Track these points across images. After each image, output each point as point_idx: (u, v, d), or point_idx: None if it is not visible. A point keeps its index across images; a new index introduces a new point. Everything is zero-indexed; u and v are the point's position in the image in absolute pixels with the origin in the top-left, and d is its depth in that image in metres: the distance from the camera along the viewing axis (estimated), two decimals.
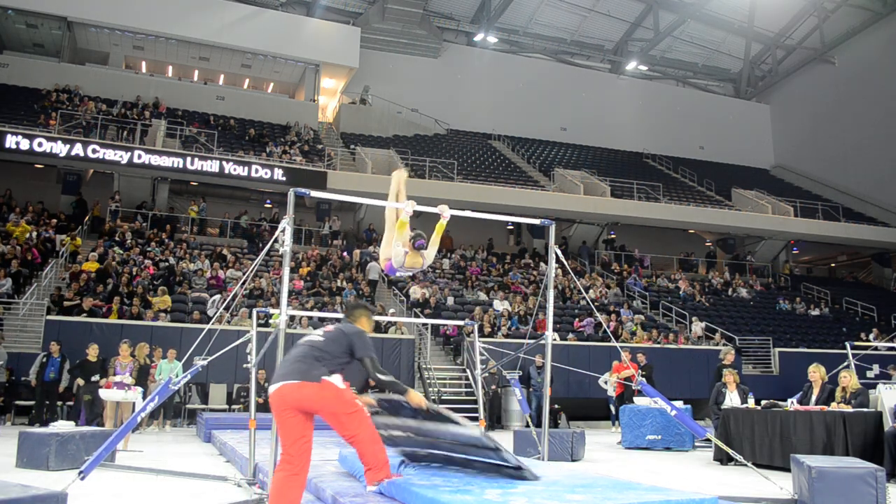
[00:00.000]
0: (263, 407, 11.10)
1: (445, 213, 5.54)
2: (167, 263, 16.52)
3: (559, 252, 6.87)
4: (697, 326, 18.74)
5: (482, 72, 30.20)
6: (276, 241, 5.47)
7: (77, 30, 24.20)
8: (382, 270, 6.07)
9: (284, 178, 19.54)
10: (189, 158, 19.12)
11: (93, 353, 10.96)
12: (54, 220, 17.65)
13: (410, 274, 5.60)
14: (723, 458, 8.11)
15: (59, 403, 11.76)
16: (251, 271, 7.52)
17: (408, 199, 5.45)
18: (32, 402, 11.65)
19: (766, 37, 32.52)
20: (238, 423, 9.69)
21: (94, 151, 18.21)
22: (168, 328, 13.51)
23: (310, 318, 14.56)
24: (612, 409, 13.48)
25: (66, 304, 13.27)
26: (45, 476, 6.20)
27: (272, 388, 3.88)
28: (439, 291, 17.77)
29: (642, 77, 33.40)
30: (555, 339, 14.00)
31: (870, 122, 28.80)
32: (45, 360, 11.53)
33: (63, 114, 19.53)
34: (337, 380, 3.90)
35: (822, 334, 20.47)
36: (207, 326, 7.58)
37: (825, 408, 7.50)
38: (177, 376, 6.24)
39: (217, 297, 15.06)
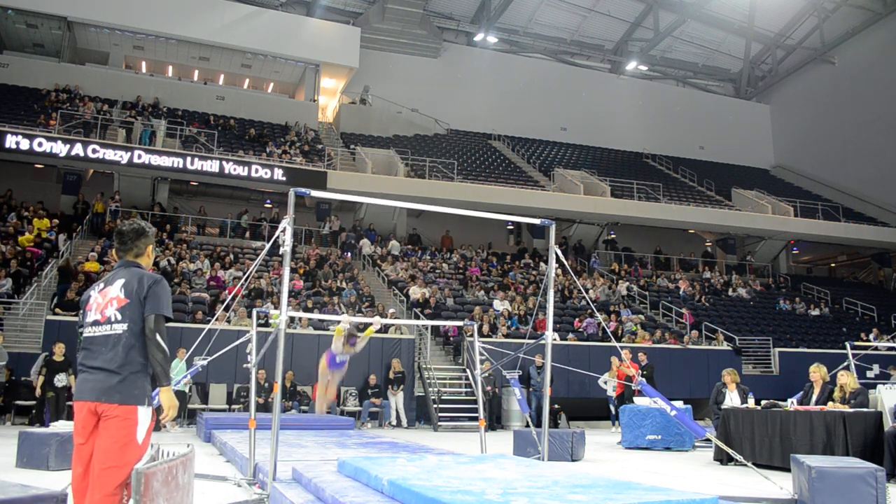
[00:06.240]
0: (263, 407, 11.20)
1: (376, 324, 7.99)
2: (166, 263, 16.52)
3: (559, 252, 6.88)
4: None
5: (482, 72, 30.20)
6: (276, 240, 5.47)
7: (77, 30, 24.20)
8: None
9: (284, 178, 19.55)
10: (189, 158, 19.12)
11: (59, 351, 11.28)
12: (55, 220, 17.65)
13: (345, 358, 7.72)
14: (723, 458, 8.10)
15: None
16: (251, 271, 7.53)
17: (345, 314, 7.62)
18: (33, 402, 11.64)
19: (766, 37, 32.52)
20: (238, 423, 9.69)
21: (94, 151, 18.21)
22: (168, 328, 13.46)
23: (310, 318, 14.56)
24: (612, 409, 13.50)
25: (57, 311, 13.20)
26: (45, 476, 6.20)
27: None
28: (439, 291, 17.77)
29: (642, 77, 33.41)
30: (555, 339, 14.00)
31: (870, 121, 28.81)
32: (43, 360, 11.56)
33: (63, 114, 19.53)
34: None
35: (822, 334, 20.46)
36: (208, 327, 7.59)
37: (825, 408, 7.49)
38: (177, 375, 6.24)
39: None
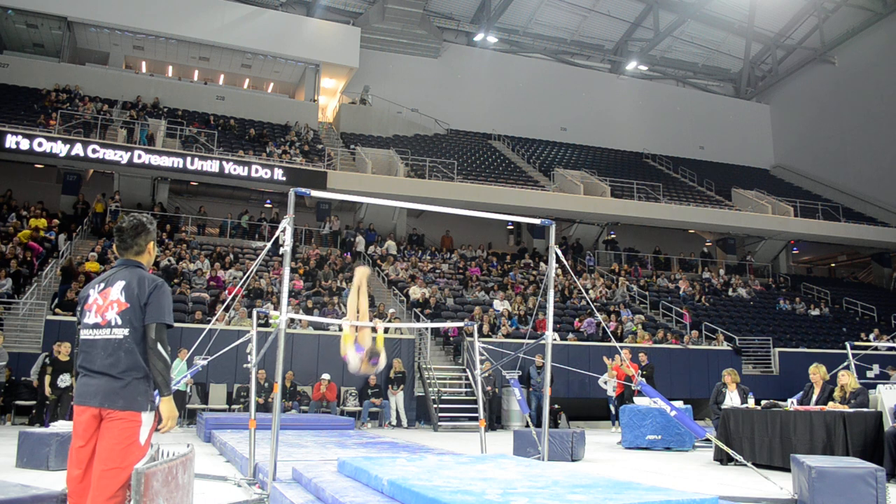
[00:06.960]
0: (263, 407, 11.21)
1: (379, 325, 6.68)
2: (166, 263, 16.53)
3: (559, 252, 6.87)
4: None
5: (482, 72, 30.21)
6: (276, 240, 5.48)
7: (77, 30, 24.21)
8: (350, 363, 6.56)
9: (284, 178, 19.56)
10: (189, 158, 19.13)
11: (64, 351, 11.07)
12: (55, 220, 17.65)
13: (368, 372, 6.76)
14: (723, 458, 8.10)
15: None
16: (251, 271, 7.53)
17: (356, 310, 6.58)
18: (33, 403, 11.64)
19: (766, 37, 32.52)
20: (238, 423, 9.69)
21: (94, 151, 18.22)
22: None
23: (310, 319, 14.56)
24: (612, 409, 13.50)
25: (57, 311, 13.20)
26: (45, 476, 6.20)
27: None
28: (439, 292, 17.77)
29: (642, 77, 33.41)
30: (555, 339, 14.00)
31: (870, 121, 28.81)
32: (47, 360, 11.53)
33: (63, 114, 19.53)
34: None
35: (822, 334, 20.46)
36: (208, 327, 7.59)
37: (825, 408, 7.49)
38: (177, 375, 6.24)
39: None
